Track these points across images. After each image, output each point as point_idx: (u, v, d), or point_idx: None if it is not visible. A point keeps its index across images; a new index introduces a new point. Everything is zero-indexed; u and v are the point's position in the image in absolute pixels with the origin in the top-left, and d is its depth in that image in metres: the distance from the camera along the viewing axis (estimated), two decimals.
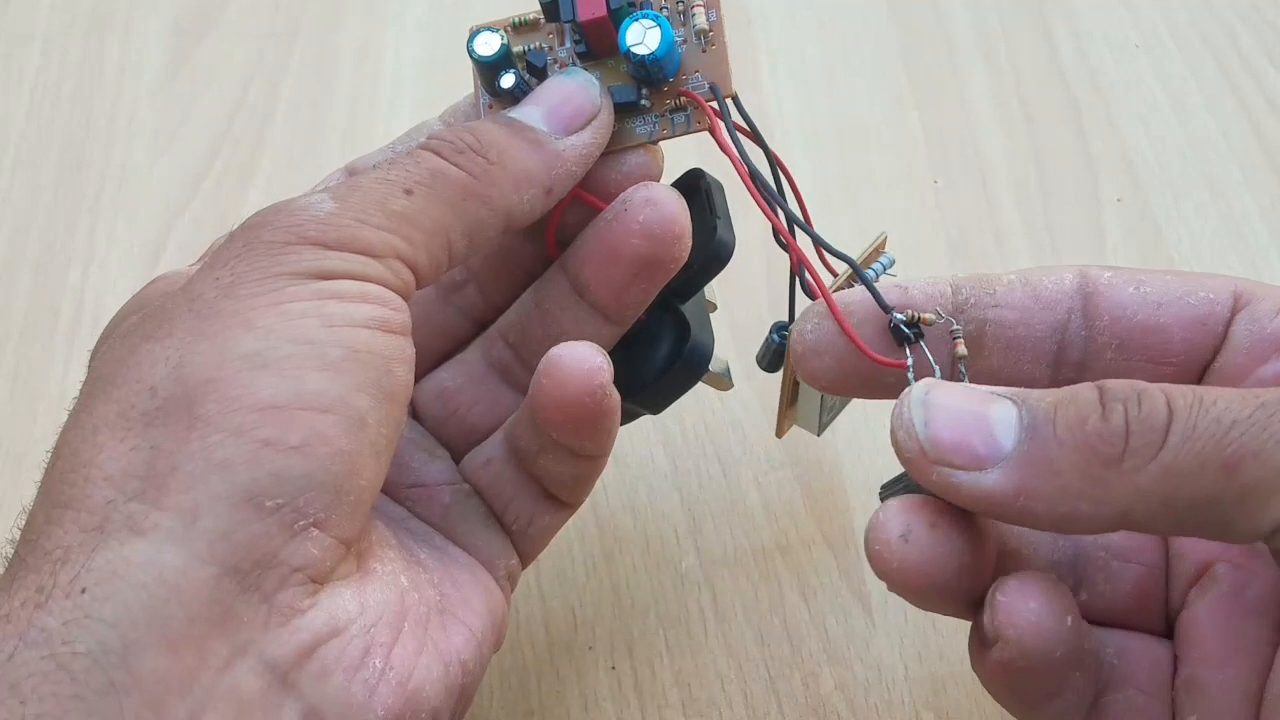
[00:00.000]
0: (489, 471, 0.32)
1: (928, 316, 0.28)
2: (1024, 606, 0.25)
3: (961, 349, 0.28)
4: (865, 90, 0.51)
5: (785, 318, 0.34)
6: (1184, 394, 0.23)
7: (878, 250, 0.36)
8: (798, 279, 0.32)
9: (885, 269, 0.35)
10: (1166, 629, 0.29)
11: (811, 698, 0.36)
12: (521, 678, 0.37)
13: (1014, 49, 0.52)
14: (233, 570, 0.24)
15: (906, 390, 0.26)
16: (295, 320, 0.25)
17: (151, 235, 0.48)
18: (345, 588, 0.26)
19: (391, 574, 0.27)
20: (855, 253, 0.32)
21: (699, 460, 0.40)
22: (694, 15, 0.31)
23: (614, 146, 0.31)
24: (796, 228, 0.31)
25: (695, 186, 0.33)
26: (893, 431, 0.26)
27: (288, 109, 0.51)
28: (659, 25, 0.30)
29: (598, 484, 0.40)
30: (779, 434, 0.37)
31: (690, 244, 0.30)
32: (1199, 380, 0.28)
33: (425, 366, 0.33)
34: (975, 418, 0.25)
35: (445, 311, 0.33)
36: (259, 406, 0.24)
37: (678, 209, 0.30)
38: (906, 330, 0.28)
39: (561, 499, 0.32)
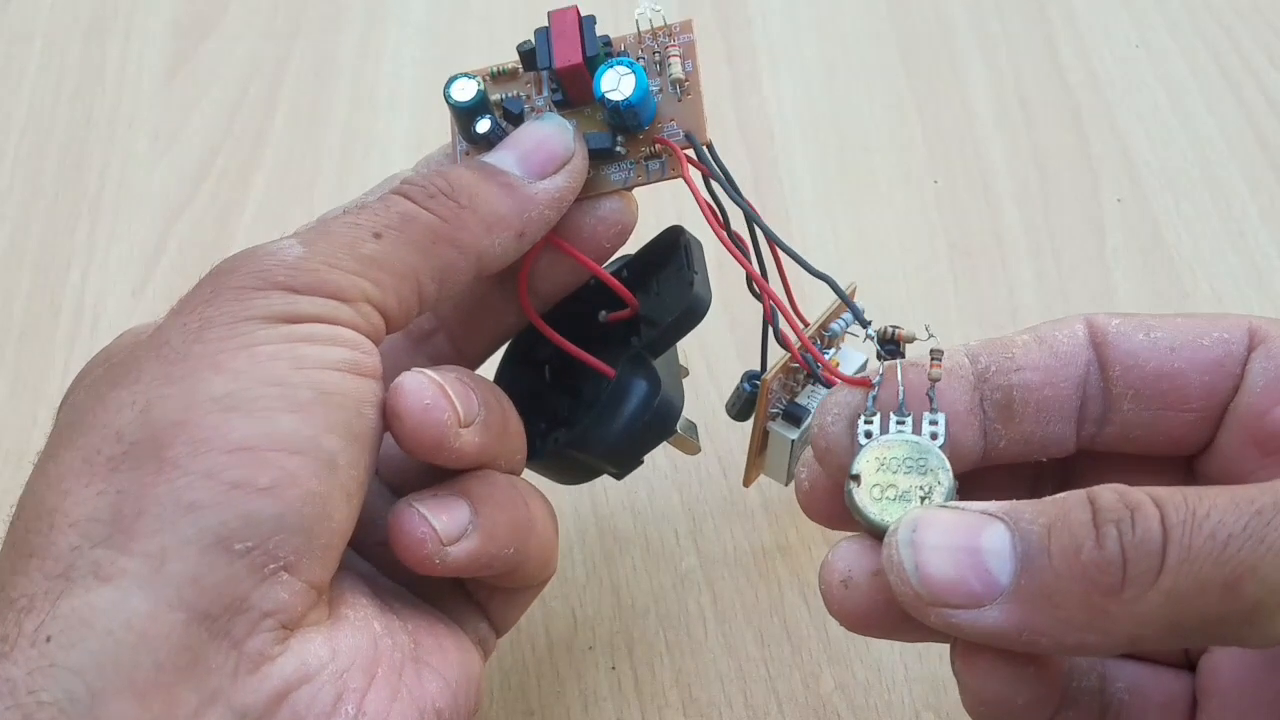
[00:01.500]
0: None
1: (904, 333, 0.28)
2: (980, 657, 0.25)
3: (936, 371, 0.27)
4: (865, 90, 0.51)
5: (756, 367, 0.35)
6: (1176, 506, 0.22)
7: (841, 308, 0.36)
8: (771, 328, 0.32)
9: (849, 325, 0.36)
10: (1187, 659, 0.28)
11: (811, 698, 0.36)
12: (521, 678, 0.37)
13: (1014, 49, 0.52)
14: (202, 615, 0.23)
15: (892, 530, 0.25)
16: (265, 363, 0.25)
17: (151, 235, 0.48)
18: (316, 633, 0.25)
19: (364, 619, 0.27)
20: (825, 304, 0.32)
21: (699, 460, 0.40)
22: (670, 64, 0.31)
23: (589, 192, 0.31)
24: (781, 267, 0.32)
25: (675, 242, 0.33)
26: (886, 573, 0.25)
27: (288, 109, 0.51)
28: (633, 72, 0.30)
29: (598, 484, 0.40)
30: (746, 483, 0.38)
31: None
32: (1219, 422, 0.27)
33: (484, 343, 0.33)
34: (967, 553, 0.24)
35: (415, 360, 0.32)
36: (229, 448, 0.24)
37: None
38: (882, 348, 0.28)
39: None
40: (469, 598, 0.31)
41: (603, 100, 0.30)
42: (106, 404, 0.25)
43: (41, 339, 0.45)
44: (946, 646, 0.36)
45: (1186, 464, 0.28)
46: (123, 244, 0.47)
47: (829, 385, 0.29)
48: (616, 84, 0.30)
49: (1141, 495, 0.23)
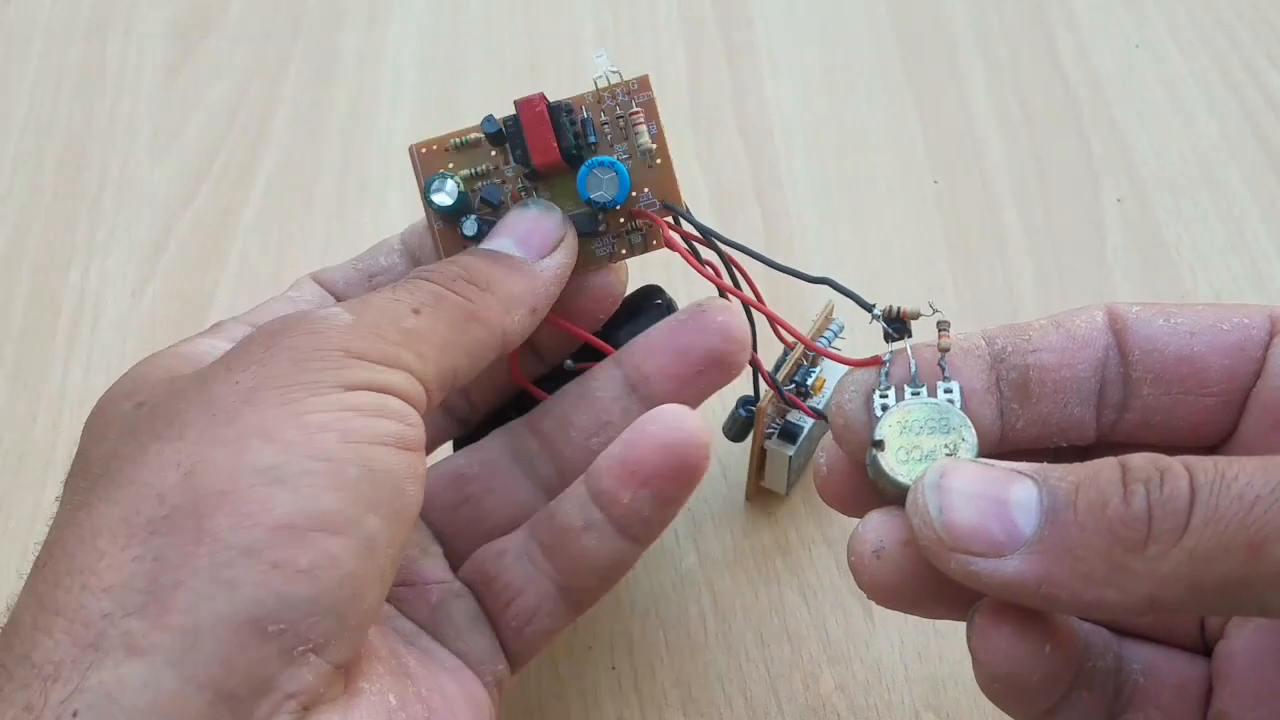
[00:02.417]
0: (501, 563, 0.31)
1: (909, 310, 0.28)
2: (997, 633, 0.25)
3: (945, 341, 0.27)
4: (865, 90, 0.51)
5: (749, 392, 0.36)
6: (1205, 469, 0.22)
7: (827, 319, 0.38)
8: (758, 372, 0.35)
9: (836, 335, 0.38)
10: (1204, 644, 0.29)
11: (811, 698, 0.36)
12: (521, 678, 0.37)
13: (1014, 49, 0.52)
14: (227, 696, 0.23)
15: (920, 476, 0.25)
16: (315, 434, 0.24)
17: (151, 235, 0.48)
18: (332, 712, 0.25)
19: (379, 693, 0.26)
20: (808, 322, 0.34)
21: None
22: (637, 132, 0.32)
23: (577, 270, 0.32)
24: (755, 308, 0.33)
25: (651, 299, 0.35)
26: (908, 517, 0.25)
27: (288, 109, 0.51)
28: (616, 172, 0.31)
29: None
30: (749, 498, 0.40)
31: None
32: (1240, 410, 0.27)
33: (486, 404, 0.35)
34: (993, 502, 0.24)
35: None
36: (272, 525, 0.23)
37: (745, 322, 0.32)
38: (889, 327, 0.28)
39: (582, 587, 0.31)
40: (489, 632, 0.31)
41: (589, 202, 0.31)
42: (149, 459, 0.24)
43: (41, 339, 0.45)
44: (947, 647, 0.36)
45: (1207, 454, 0.28)
46: (123, 244, 0.47)
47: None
48: (601, 187, 0.31)
49: (1172, 460, 0.23)
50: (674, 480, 0.30)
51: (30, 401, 0.43)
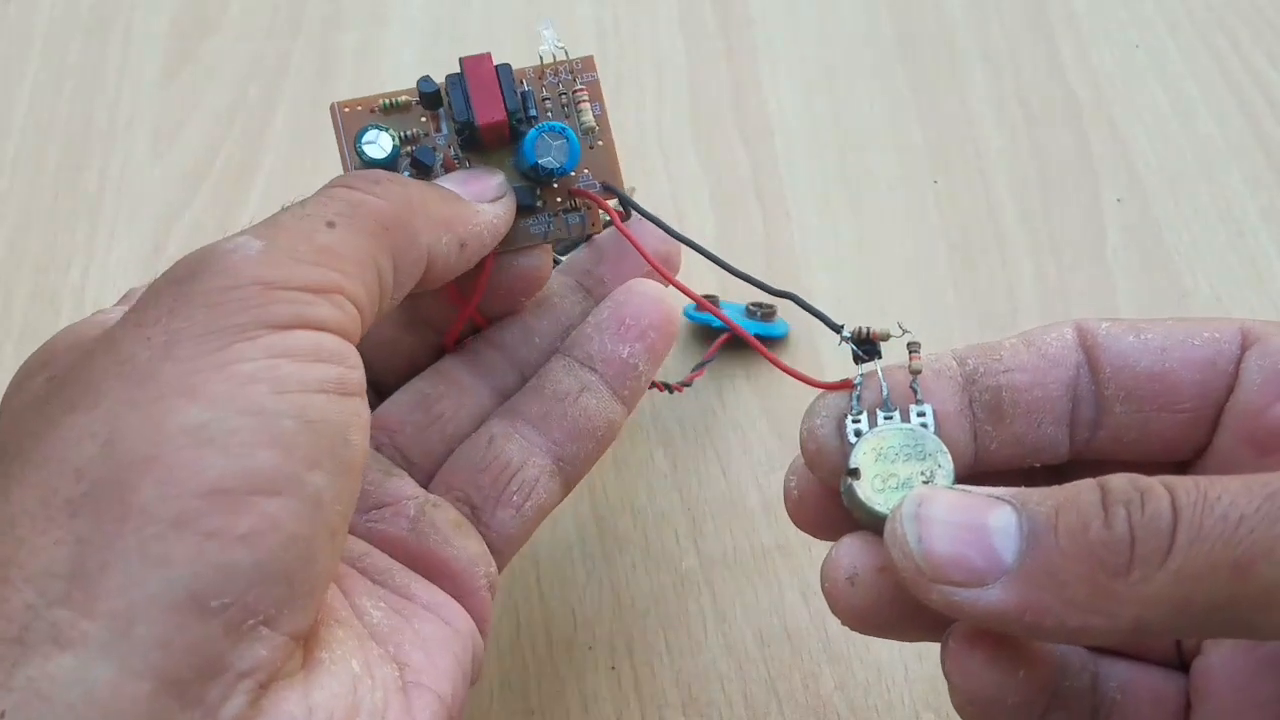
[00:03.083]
0: (491, 448, 0.31)
1: (878, 331, 0.28)
2: (971, 656, 0.25)
3: (916, 363, 0.27)
4: (865, 90, 0.51)
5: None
6: (1187, 489, 0.22)
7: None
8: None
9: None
10: (1181, 661, 0.28)
11: (811, 698, 0.36)
12: (521, 678, 0.37)
13: (1014, 49, 0.52)
14: (172, 683, 0.21)
15: (897, 505, 0.24)
16: (243, 386, 0.22)
17: (151, 235, 0.48)
18: (290, 688, 0.23)
19: (341, 659, 0.24)
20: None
21: (699, 460, 0.40)
22: (580, 111, 0.31)
23: (508, 246, 0.31)
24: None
25: None
26: (887, 549, 0.24)
27: (288, 109, 0.51)
28: (567, 138, 0.30)
29: (598, 485, 0.40)
30: None
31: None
32: (1215, 424, 0.27)
33: (396, 381, 0.34)
34: (972, 529, 0.23)
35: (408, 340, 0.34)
36: (203, 491, 0.21)
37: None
38: (858, 349, 0.28)
39: (577, 455, 0.32)
40: (475, 533, 0.31)
41: (536, 167, 0.30)
42: (63, 433, 0.22)
43: (41, 339, 0.45)
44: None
45: (1179, 470, 0.28)
46: (123, 244, 0.47)
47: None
48: (550, 152, 0.30)
49: (1152, 480, 0.22)
50: (663, 333, 0.32)
51: None
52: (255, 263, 0.24)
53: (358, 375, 0.25)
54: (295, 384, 0.23)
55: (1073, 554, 0.22)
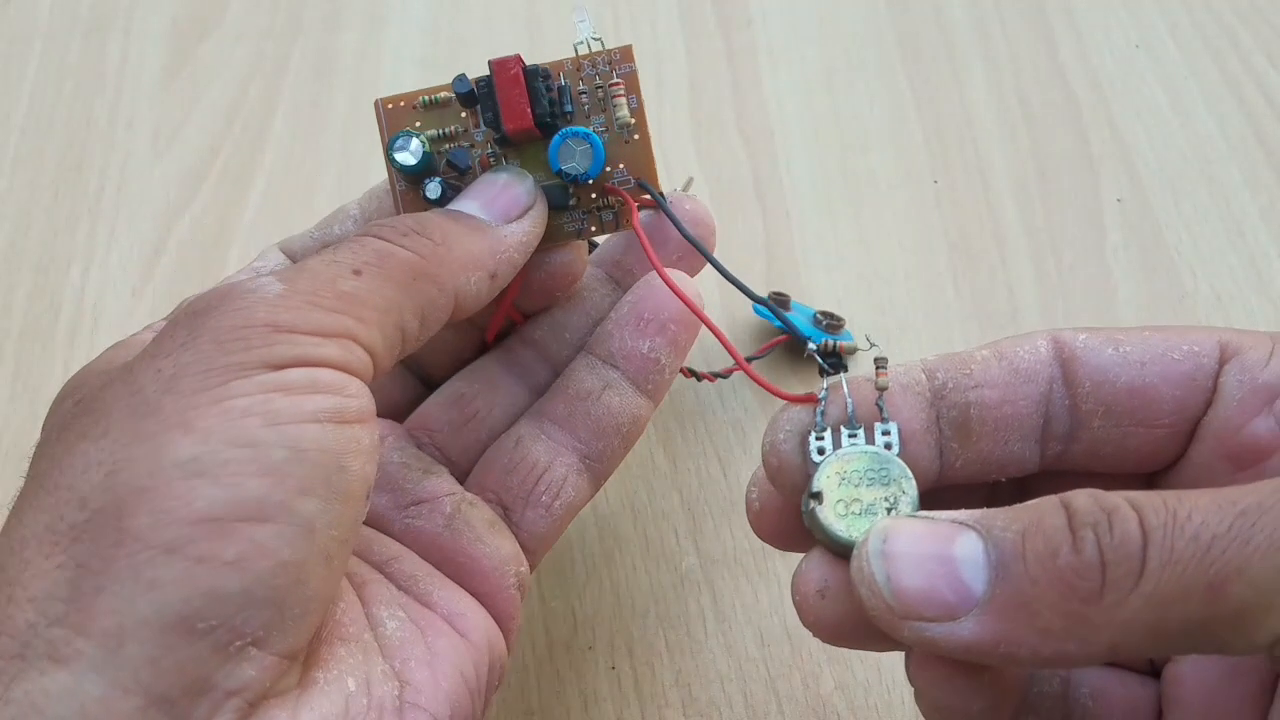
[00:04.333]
0: (520, 448, 0.32)
1: (846, 345, 0.27)
2: (936, 664, 0.24)
3: (882, 380, 0.26)
4: (865, 90, 0.51)
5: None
6: (1156, 509, 0.21)
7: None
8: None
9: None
10: (1152, 666, 0.28)
11: (811, 698, 0.36)
12: (521, 678, 0.37)
13: (1014, 49, 0.52)
14: (160, 699, 0.22)
15: (861, 542, 0.24)
16: (236, 421, 0.23)
17: (151, 235, 0.48)
18: (280, 707, 0.24)
19: (337, 679, 0.25)
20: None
21: (699, 460, 0.40)
22: (616, 105, 0.31)
23: (542, 244, 0.31)
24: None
25: None
26: (855, 586, 0.24)
27: (288, 109, 0.51)
28: (591, 144, 0.30)
29: None
30: None
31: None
32: (1187, 438, 0.27)
33: (443, 375, 0.34)
34: (939, 562, 0.23)
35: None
36: (194, 519, 0.22)
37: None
38: (824, 362, 0.27)
39: (604, 451, 0.32)
40: (508, 532, 0.31)
41: (560, 174, 0.30)
42: (74, 460, 0.23)
43: (41, 339, 0.45)
44: None
45: (1148, 480, 0.28)
46: (123, 244, 0.47)
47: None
48: (574, 159, 0.30)
49: (1117, 499, 0.22)
50: (684, 325, 0.32)
51: (30, 401, 0.43)
52: (270, 305, 0.25)
53: (357, 404, 0.25)
54: (288, 416, 0.24)
55: (1043, 582, 0.22)
